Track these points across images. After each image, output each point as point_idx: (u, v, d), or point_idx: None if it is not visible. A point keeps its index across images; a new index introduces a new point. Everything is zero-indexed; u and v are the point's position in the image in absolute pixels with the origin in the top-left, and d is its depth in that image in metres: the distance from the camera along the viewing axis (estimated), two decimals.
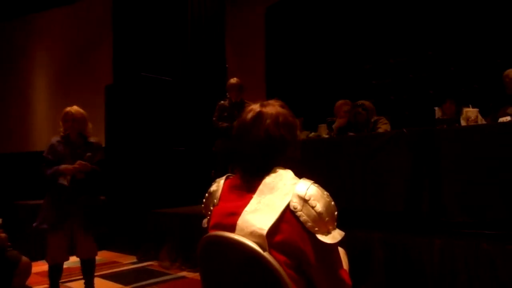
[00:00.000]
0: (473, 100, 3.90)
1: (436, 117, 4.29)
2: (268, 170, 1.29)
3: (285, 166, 1.32)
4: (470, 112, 3.44)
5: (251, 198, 1.25)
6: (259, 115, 1.33)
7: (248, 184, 1.30)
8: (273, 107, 1.36)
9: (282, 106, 1.38)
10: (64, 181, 3.24)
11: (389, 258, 3.00)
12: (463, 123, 3.51)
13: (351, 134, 4.10)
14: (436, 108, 4.45)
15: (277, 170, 1.29)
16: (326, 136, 4.24)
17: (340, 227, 1.26)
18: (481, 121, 3.48)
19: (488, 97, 4.61)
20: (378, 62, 6.30)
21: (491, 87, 5.12)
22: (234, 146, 1.34)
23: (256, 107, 1.37)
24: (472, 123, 3.38)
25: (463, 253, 2.66)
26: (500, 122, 3.27)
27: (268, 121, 1.31)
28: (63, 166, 3.24)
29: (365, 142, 3.50)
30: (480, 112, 3.50)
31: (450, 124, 3.65)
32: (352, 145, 3.58)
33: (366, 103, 4.32)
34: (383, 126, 4.08)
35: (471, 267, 2.61)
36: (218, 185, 1.42)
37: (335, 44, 6.66)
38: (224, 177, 1.43)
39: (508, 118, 3.29)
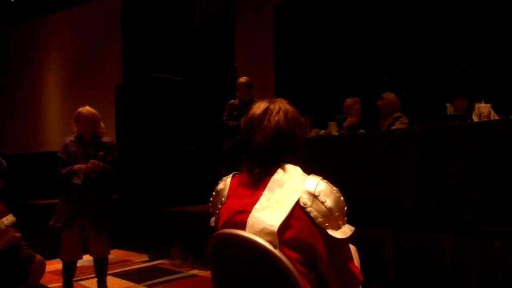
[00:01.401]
0: (485, 96, 3.85)
1: (448, 113, 4.24)
2: (276, 166, 1.30)
3: (293, 163, 1.33)
4: (483, 108, 3.39)
5: (260, 195, 1.25)
6: (268, 110, 1.35)
7: (256, 181, 1.30)
8: (281, 103, 1.38)
9: (289, 104, 1.41)
10: (77, 180, 3.30)
11: (400, 256, 2.98)
12: (475, 119, 3.46)
13: (362, 131, 4.08)
14: (448, 105, 4.40)
15: (286, 166, 1.29)
16: (336, 133, 4.23)
17: (350, 224, 1.26)
18: (494, 116, 3.42)
19: (501, 92, 4.54)
20: (388, 59, 6.25)
21: (503, 82, 5.05)
22: (243, 141, 1.35)
23: (264, 103, 1.39)
24: (485, 119, 3.33)
25: (475, 250, 2.63)
26: None
27: (277, 116, 1.33)
28: (76, 166, 3.28)
29: (375, 139, 3.48)
30: (493, 107, 3.44)
31: (462, 120, 3.60)
32: (362, 142, 3.56)
33: (387, 95, 4.31)
34: (399, 125, 4.04)
35: (483, 264, 2.58)
36: (225, 183, 1.42)
37: (344, 41, 6.62)
38: (230, 175, 1.44)
39: None
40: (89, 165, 3.27)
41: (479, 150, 2.91)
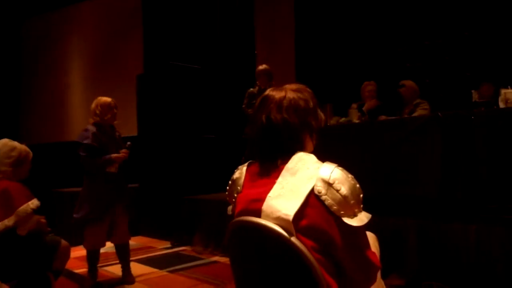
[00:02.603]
0: None
1: (473, 100, 4.13)
2: (287, 154, 1.27)
3: (308, 151, 1.31)
4: (509, 94, 3.29)
5: (274, 183, 1.24)
6: (264, 99, 1.33)
7: (270, 169, 1.28)
8: (281, 92, 1.33)
9: (296, 90, 1.34)
10: (112, 169, 3.37)
11: (423, 244, 2.93)
12: (501, 105, 3.37)
13: (383, 117, 4.02)
14: (473, 91, 4.28)
15: (300, 154, 1.27)
16: (357, 121, 4.17)
17: (372, 213, 1.24)
18: None
19: None
20: (412, 44, 6.10)
21: None
22: (248, 132, 1.37)
23: (266, 92, 1.36)
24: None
25: (500, 239, 2.57)
26: None
27: (271, 105, 1.30)
28: (114, 155, 3.35)
29: (398, 126, 3.42)
30: None
31: (487, 107, 3.50)
32: (385, 129, 3.50)
33: (408, 83, 4.26)
34: (420, 111, 3.98)
35: (509, 253, 2.52)
36: (241, 172, 1.41)
37: (366, 27, 6.47)
38: (246, 164, 1.42)
39: None
40: (124, 154, 3.37)
41: (505, 137, 2.82)
